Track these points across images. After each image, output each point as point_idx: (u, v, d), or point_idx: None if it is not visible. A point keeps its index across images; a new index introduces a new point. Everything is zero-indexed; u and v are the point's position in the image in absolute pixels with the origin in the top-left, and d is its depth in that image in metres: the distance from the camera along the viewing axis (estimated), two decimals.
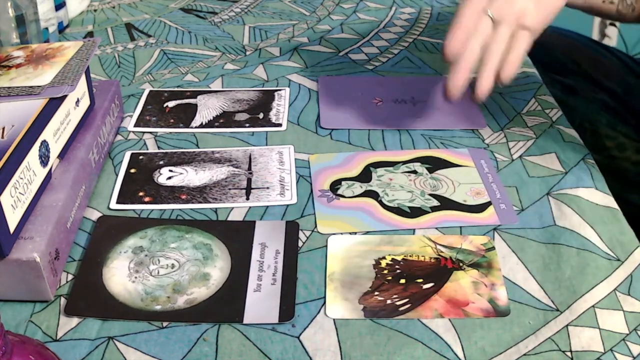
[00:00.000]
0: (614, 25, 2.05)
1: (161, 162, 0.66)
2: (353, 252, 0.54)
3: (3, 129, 0.52)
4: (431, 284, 0.51)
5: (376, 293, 0.51)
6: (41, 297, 0.50)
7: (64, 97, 0.58)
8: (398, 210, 0.59)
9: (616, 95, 0.90)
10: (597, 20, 2.08)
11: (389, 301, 0.50)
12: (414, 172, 0.64)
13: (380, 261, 0.53)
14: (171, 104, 0.76)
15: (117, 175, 0.64)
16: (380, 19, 0.97)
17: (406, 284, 0.51)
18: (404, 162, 0.65)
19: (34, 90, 0.57)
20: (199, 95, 0.78)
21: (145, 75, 0.83)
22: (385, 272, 0.53)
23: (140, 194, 0.61)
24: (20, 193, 0.50)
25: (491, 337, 0.47)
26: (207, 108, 0.75)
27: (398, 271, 0.53)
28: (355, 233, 0.57)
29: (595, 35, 2.10)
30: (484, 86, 0.57)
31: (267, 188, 0.62)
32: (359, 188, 0.62)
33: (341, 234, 0.56)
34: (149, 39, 0.93)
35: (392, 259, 0.54)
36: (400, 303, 0.50)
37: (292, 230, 0.57)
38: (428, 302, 0.50)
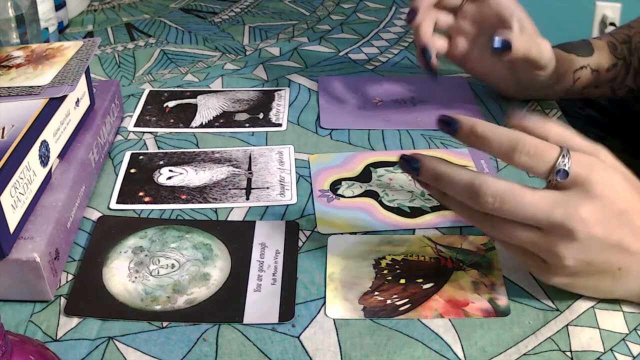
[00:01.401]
0: (614, 25, 2.05)
1: (161, 162, 0.66)
2: (353, 252, 0.54)
3: (3, 129, 0.52)
4: (431, 284, 0.51)
5: (376, 293, 0.51)
6: (41, 297, 0.50)
7: (64, 97, 0.58)
8: (398, 210, 0.59)
9: (604, 109, 0.90)
10: (596, 21, 2.08)
11: (389, 301, 0.50)
12: None
13: (380, 261, 0.53)
14: (171, 104, 0.76)
15: (117, 175, 0.64)
16: (380, 19, 0.97)
17: (406, 284, 0.51)
18: None
19: (34, 90, 0.57)
20: (199, 95, 0.78)
21: (145, 75, 0.83)
22: (385, 272, 0.53)
23: (140, 194, 0.61)
24: (20, 193, 0.50)
25: (491, 337, 0.47)
26: (207, 108, 0.75)
27: (398, 271, 0.53)
28: (355, 233, 0.57)
29: (595, 36, 2.11)
30: None
31: (267, 188, 0.62)
32: (359, 188, 0.62)
33: (341, 234, 0.56)
34: (149, 39, 0.93)
35: (392, 259, 0.54)
36: (400, 303, 0.50)
37: (292, 230, 0.57)
38: (428, 302, 0.50)
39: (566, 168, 0.43)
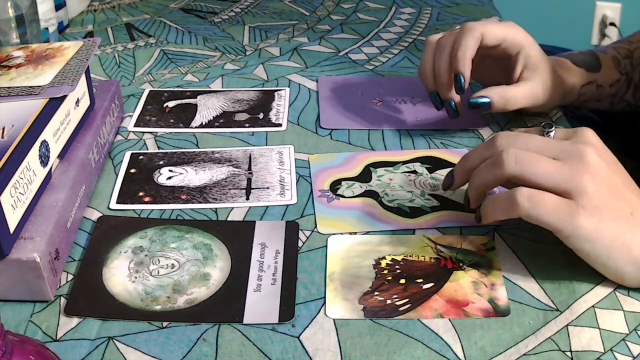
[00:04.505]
0: (614, 24, 2.05)
1: (161, 162, 0.66)
2: (353, 252, 0.54)
3: (3, 129, 0.52)
4: (431, 284, 0.51)
5: (376, 293, 0.51)
6: (41, 297, 0.50)
7: (64, 97, 0.58)
8: (398, 210, 0.59)
9: (600, 109, 0.90)
10: (597, 20, 2.08)
11: (389, 301, 0.50)
12: (414, 172, 0.64)
13: (380, 261, 0.53)
14: (171, 104, 0.76)
15: (117, 175, 0.64)
16: (380, 19, 0.97)
17: (406, 284, 0.51)
18: (404, 162, 0.65)
19: (34, 90, 0.57)
20: (199, 95, 0.78)
21: (145, 75, 0.83)
22: (385, 272, 0.53)
23: (140, 194, 0.61)
24: (20, 193, 0.50)
25: (491, 337, 0.47)
26: (207, 108, 0.75)
27: (398, 271, 0.53)
28: (355, 233, 0.57)
29: (595, 36, 2.11)
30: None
31: (267, 188, 0.62)
32: (359, 188, 0.62)
33: (341, 234, 0.56)
34: (149, 39, 0.93)
35: (392, 259, 0.54)
36: (400, 303, 0.50)
37: (292, 230, 0.57)
38: (428, 302, 0.50)
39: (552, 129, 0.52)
